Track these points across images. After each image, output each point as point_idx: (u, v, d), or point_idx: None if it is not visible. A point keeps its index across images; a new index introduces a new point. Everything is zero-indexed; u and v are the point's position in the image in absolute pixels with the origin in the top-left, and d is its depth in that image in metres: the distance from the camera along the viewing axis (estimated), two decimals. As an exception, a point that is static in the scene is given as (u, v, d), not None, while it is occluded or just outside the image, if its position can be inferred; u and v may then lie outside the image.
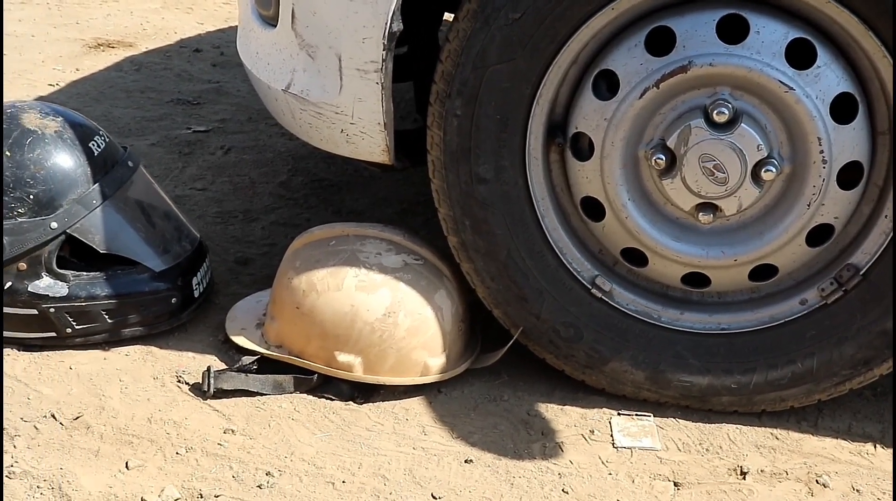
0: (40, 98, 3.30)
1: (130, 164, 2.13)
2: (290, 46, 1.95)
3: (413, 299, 1.94)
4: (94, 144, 2.07)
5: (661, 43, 1.77)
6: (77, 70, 3.59)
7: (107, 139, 2.12)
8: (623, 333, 1.94)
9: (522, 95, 1.81)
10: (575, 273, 1.93)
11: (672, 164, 1.81)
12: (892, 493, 1.77)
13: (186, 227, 2.20)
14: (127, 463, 1.77)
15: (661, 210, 1.88)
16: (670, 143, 1.79)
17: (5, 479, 1.72)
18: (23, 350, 2.05)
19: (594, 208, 1.90)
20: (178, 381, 1.99)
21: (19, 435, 1.82)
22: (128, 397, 1.94)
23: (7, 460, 1.75)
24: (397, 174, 2.81)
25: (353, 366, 1.93)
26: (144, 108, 3.28)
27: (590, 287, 1.93)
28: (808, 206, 1.81)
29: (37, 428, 1.84)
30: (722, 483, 1.79)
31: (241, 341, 2.04)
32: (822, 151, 1.76)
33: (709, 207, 1.84)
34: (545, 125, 1.86)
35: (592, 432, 1.90)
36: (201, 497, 1.71)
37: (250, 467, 1.78)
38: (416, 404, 1.96)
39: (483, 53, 1.78)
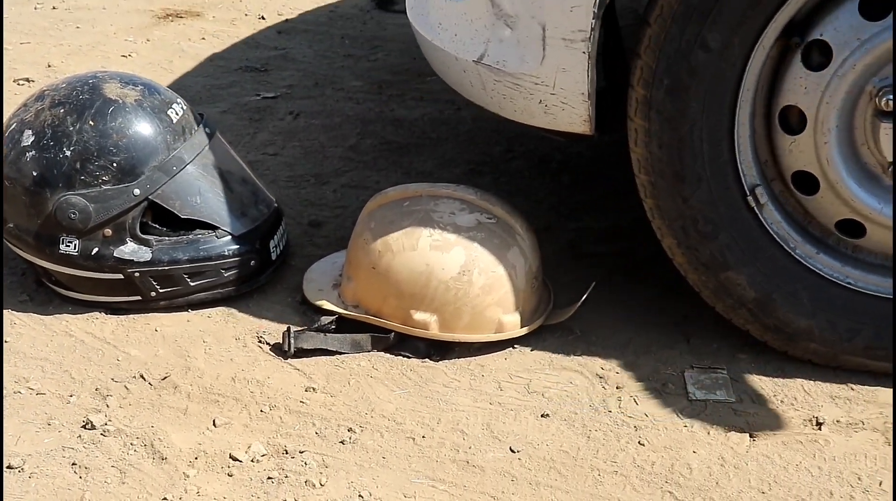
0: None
1: (207, 131, 2.16)
2: (483, 17, 1.90)
3: (487, 258, 1.95)
4: (172, 112, 2.10)
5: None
6: (148, 41, 3.63)
7: (184, 107, 2.15)
8: (755, 249, 1.87)
9: None
10: (740, 174, 1.85)
11: None
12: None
13: (262, 191, 2.23)
14: (214, 421, 1.82)
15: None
16: None
17: (100, 437, 1.78)
18: (110, 313, 2.10)
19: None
20: (259, 341, 2.03)
21: (111, 395, 1.87)
22: (212, 357, 1.98)
23: (101, 419, 1.81)
24: (462, 136, 2.82)
25: (429, 324, 1.96)
26: (214, 76, 3.31)
27: (747, 193, 1.86)
28: None
29: (127, 388, 1.90)
30: (798, 434, 1.79)
31: (318, 301, 2.06)
32: None
33: None
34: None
35: (666, 385, 1.91)
36: (286, 452, 1.75)
37: (332, 423, 1.81)
38: (491, 360, 1.97)
39: None
